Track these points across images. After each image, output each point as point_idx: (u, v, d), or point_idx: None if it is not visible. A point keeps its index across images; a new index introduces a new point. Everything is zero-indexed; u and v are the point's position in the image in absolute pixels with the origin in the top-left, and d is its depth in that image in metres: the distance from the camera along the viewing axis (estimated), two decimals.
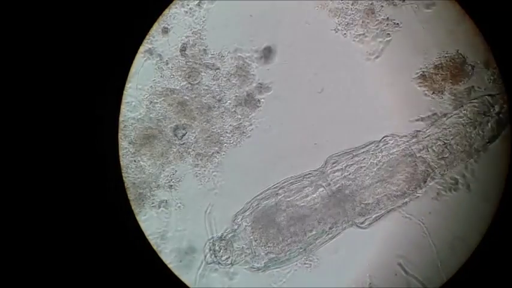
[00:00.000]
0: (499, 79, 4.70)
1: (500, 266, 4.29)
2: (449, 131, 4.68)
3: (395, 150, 4.69)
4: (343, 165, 4.70)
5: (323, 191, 4.65)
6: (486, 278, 4.28)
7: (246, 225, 4.68)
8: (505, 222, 4.40)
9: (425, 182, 4.67)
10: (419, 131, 4.74)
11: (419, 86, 4.79)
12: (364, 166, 4.69)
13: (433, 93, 4.79)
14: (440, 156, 4.64)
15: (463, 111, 4.71)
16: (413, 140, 4.72)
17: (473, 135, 4.66)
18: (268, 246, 4.65)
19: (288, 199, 4.67)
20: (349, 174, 4.67)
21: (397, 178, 4.65)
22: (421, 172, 4.64)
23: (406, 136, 4.73)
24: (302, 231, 4.65)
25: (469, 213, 4.73)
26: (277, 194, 4.70)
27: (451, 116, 4.72)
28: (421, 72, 4.79)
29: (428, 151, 4.65)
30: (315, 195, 4.66)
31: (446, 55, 4.77)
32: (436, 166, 4.66)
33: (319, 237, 4.68)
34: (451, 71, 4.76)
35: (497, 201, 4.56)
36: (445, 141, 4.65)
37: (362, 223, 4.69)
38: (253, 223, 4.67)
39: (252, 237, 4.66)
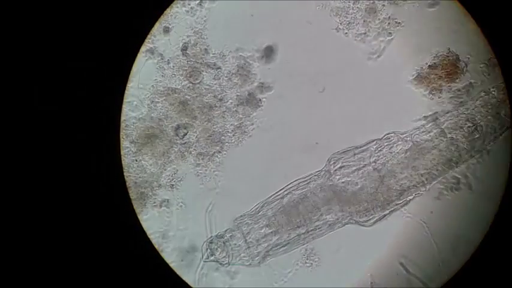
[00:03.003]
0: (498, 74, 4.70)
1: (502, 266, 4.28)
2: (479, 112, 4.65)
3: (424, 134, 4.68)
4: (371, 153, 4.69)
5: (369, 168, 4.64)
6: (487, 278, 4.27)
7: (253, 224, 4.69)
8: (507, 221, 4.40)
9: (455, 165, 4.66)
10: (446, 113, 4.73)
11: (416, 88, 4.78)
12: (394, 151, 4.67)
13: (431, 93, 4.78)
14: (470, 138, 4.61)
15: (492, 92, 4.67)
16: (442, 121, 4.70)
17: (501, 116, 4.62)
18: (271, 236, 4.67)
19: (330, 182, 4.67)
20: (378, 160, 4.66)
21: (428, 159, 4.63)
22: (451, 154, 4.62)
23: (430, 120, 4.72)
24: (311, 219, 4.66)
25: (470, 213, 4.73)
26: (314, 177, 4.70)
27: (479, 97, 4.69)
28: (416, 73, 4.78)
29: (458, 132, 4.61)
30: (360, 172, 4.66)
31: (439, 54, 4.76)
32: (466, 148, 4.63)
33: (322, 228, 4.70)
34: (445, 69, 4.75)
35: (499, 200, 4.56)
36: (474, 122, 4.62)
37: (366, 221, 4.69)
38: (271, 219, 4.68)
39: (255, 231, 4.67)
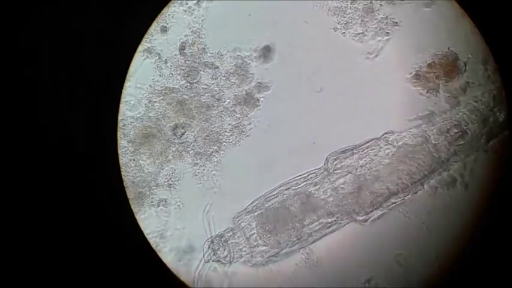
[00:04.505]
0: (495, 75, 4.71)
1: (500, 264, 4.28)
2: (467, 117, 4.65)
3: (408, 138, 4.68)
4: (356, 157, 4.69)
5: (348, 176, 4.64)
6: (486, 276, 4.28)
7: (251, 224, 4.69)
8: (504, 220, 4.41)
9: (434, 171, 4.65)
10: (435, 115, 4.73)
11: (414, 86, 4.80)
12: (378, 156, 4.67)
13: (428, 92, 4.79)
14: (455, 144, 4.61)
15: (481, 99, 4.67)
16: (429, 125, 4.69)
17: (488, 123, 4.62)
18: (269, 239, 4.66)
19: (307, 189, 4.67)
20: (365, 164, 4.66)
21: (410, 165, 4.63)
22: (432, 159, 4.62)
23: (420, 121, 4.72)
24: (305, 222, 4.66)
25: (468, 211, 4.74)
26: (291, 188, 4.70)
27: (468, 103, 4.69)
28: (414, 72, 4.80)
29: (443, 137, 4.62)
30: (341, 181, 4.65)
31: (438, 53, 4.77)
32: (451, 153, 4.63)
33: (321, 230, 4.69)
34: (444, 68, 4.76)
35: (496, 199, 4.57)
36: (461, 128, 4.62)
37: (365, 221, 4.68)
38: (262, 219, 4.67)
39: (255, 231, 4.67)
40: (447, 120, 4.70)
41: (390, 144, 4.68)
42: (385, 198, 4.65)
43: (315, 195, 4.67)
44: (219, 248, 4.68)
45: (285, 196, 4.71)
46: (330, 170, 4.71)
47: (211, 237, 4.73)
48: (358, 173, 4.65)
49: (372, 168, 4.66)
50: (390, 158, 4.66)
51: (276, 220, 4.68)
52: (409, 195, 4.69)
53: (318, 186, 4.69)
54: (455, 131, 4.64)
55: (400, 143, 4.68)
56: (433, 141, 4.65)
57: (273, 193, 4.74)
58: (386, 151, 4.67)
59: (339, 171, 4.68)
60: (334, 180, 4.68)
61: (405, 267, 4.74)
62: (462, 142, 4.66)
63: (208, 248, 4.70)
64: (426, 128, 4.70)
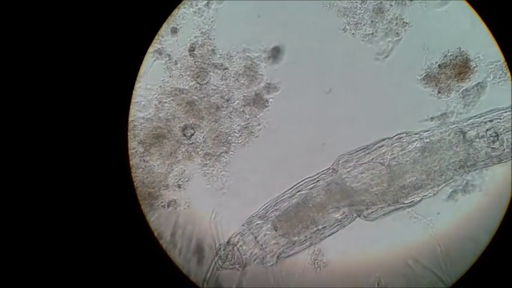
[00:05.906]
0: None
1: (510, 268, 4.24)
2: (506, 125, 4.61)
3: (440, 135, 4.65)
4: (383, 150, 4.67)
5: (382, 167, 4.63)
6: (495, 280, 4.24)
7: (262, 226, 4.69)
8: None
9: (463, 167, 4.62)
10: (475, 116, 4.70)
11: (425, 87, 4.77)
12: (407, 149, 4.65)
13: (439, 92, 4.75)
14: (491, 146, 4.57)
15: None
16: (468, 123, 4.67)
17: None
18: (282, 238, 4.66)
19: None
20: (395, 156, 4.64)
21: (442, 159, 4.60)
22: (464, 157, 4.58)
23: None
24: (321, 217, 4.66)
25: (478, 214, 4.70)
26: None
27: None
28: (425, 73, 4.76)
29: (479, 137, 4.58)
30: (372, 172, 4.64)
31: (449, 54, 4.74)
32: (483, 153, 4.60)
33: (331, 227, 4.69)
34: (455, 69, 4.72)
35: (508, 202, 4.53)
36: (497, 131, 4.58)
37: (369, 214, 4.66)
38: (275, 222, 4.68)
39: (266, 233, 4.67)
40: (484, 123, 4.64)
41: (420, 139, 4.65)
42: (409, 192, 4.62)
43: (350, 183, 4.65)
44: (227, 255, 4.69)
45: (293, 201, 4.70)
46: (339, 170, 4.69)
47: (220, 245, 4.74)
48: (387, 164, 4.61)
49: (400, 161, 4.62)
50: (419, 151, 4.63)
51: (291, 219, 4.67)
52: (419, 198, 4.66)
53: (352, 177, 4.66)
54: (491, 133, 4.59)
55: (433, 139, 4.64)
56: (470, 140, 4.60)
57: (284, 197, 4.73)
58: (416, 145, 4.63)
59: (369, 162, 4.64)
60: (361, 172, 4.65)
61: (414, 269, 4.72)
62: (496, 146, 4.60)
63: (219, 256, 4.70)
64: (464, 126, 4.66)
